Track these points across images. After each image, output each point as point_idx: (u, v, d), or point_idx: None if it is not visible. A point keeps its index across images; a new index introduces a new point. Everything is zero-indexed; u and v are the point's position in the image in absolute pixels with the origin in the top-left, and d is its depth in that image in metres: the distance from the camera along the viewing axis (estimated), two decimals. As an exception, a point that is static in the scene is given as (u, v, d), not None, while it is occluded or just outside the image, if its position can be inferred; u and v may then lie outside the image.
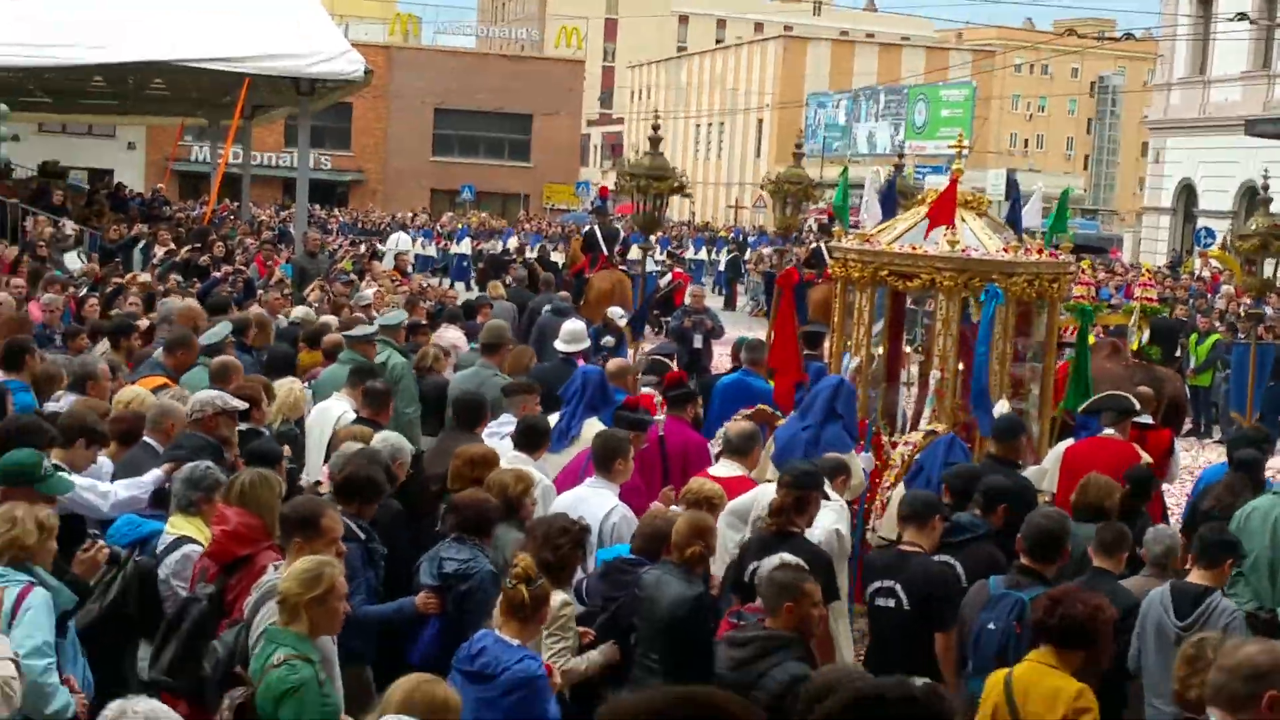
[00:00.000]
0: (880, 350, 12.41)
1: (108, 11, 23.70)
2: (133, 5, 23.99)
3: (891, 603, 8.12)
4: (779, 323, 12.86)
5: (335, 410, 10.83)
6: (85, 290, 17.49)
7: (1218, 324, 23.74)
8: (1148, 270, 29.28)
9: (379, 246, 37.30)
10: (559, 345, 13.77)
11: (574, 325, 14.40)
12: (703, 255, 52.00)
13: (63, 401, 10.19)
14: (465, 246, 44.21)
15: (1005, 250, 11.48)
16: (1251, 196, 44.76)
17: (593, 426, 10.23)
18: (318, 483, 9.03)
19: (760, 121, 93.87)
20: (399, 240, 39.99)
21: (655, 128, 16.61)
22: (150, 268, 21.49)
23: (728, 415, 11.85)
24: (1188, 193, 47.82)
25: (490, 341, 13.02)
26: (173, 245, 23.19)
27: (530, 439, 9.61)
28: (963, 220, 11.61)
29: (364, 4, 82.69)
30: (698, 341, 20.66)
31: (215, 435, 9.14)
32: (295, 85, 25.57)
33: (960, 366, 11.65)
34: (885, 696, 3.14)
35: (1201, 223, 44.23)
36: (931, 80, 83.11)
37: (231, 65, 24.09)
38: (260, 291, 18.63)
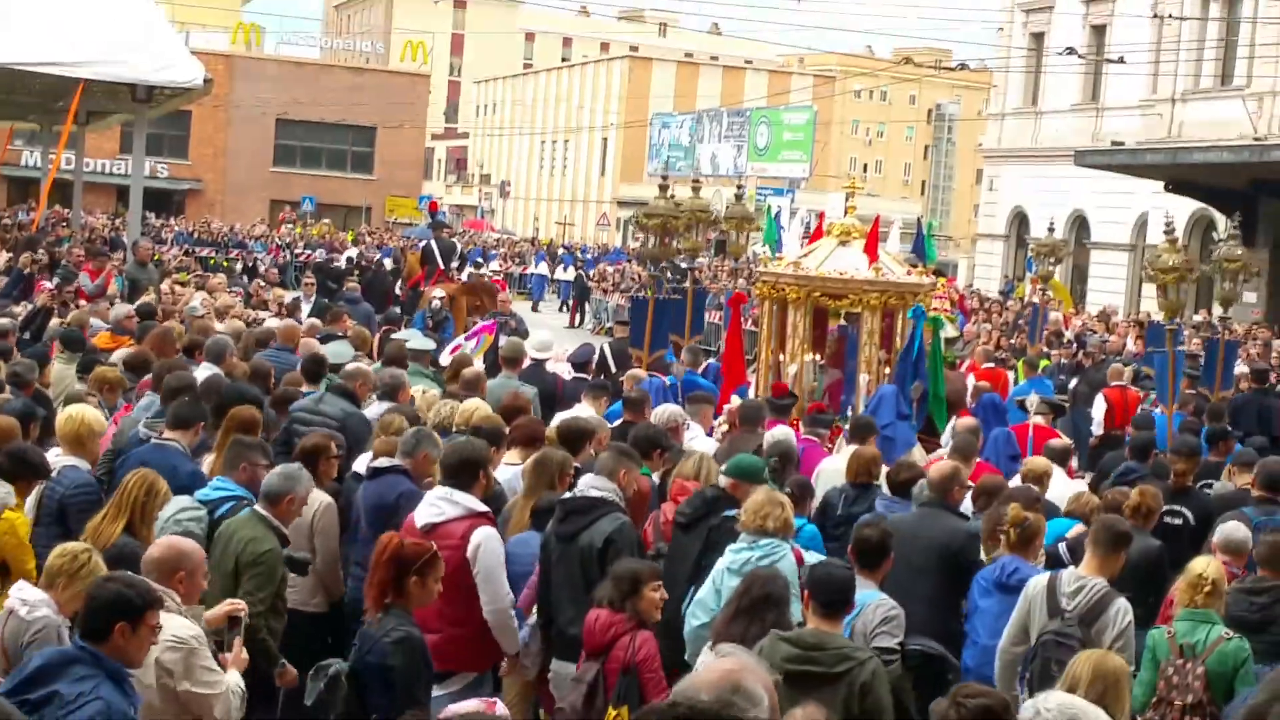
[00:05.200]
0: (812, 358, 15.13)
1: (-67, 10, 22.96)
2: (-40, 5, 23.28)
3: (1179, 521, 10.84)
4: (730, 336, 16.06)
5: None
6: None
7: (1045, 349, 24.25)
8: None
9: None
10: (532, 353, 15.93)
11: (544, 335, 17.40)
12: (544, 269, 51.85)
13: (374, 409, 11.66)
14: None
15: (910, 273, 14.92)
16: (1081, 225, 45.97)
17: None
18: None
19: (605, 140, 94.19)
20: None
21: (694, 185, 20.37)
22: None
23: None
24: (1020, 220, 48.92)
25: (510, 355, 15.31)
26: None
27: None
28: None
29: (206, 12, 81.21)
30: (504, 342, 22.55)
31: None
32: (132, 92, 25.02)
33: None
34: None
35: (1034, 250, 45.15)
36: (774, 104, 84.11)
37: (66, 70, 23.41)
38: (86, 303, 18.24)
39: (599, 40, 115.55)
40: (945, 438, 13.69)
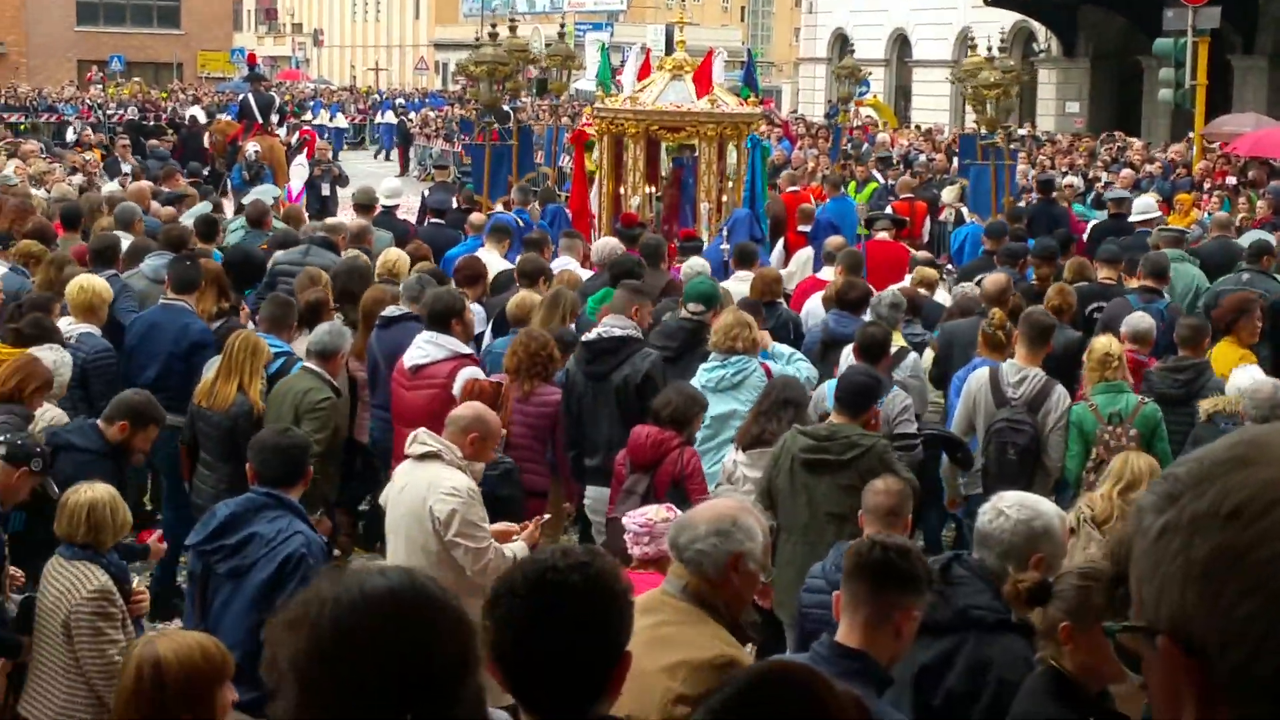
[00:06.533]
0: (650, 191, 15.99)
1: None
2: None
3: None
4: (576, 173, 16.98)
5: (495, 261, 12.46)
6: None
7: (874, 173, 24.33)
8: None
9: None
10: (383, 200, 16.06)
11: (393, 182, 17.98)
12: (390, 118, 49.81)
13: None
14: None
15: (742, 105, 16.04)
16: (903, 45, 46.23)
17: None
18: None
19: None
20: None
21: (512, 25, 21.13)
22: None
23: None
24: (842, 42, 48.94)
25: (362, 202, 15.67)
26: None
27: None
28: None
29: None
30: (325, 190, 23.18)
31: None
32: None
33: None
34: None
35: (835, 72, 45.21)
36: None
37: None
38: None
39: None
40: (774, 257, 14.62)
